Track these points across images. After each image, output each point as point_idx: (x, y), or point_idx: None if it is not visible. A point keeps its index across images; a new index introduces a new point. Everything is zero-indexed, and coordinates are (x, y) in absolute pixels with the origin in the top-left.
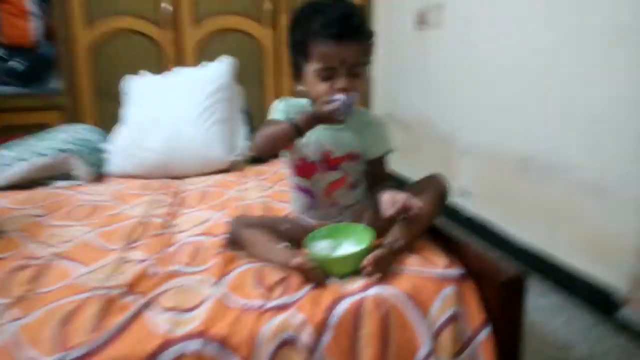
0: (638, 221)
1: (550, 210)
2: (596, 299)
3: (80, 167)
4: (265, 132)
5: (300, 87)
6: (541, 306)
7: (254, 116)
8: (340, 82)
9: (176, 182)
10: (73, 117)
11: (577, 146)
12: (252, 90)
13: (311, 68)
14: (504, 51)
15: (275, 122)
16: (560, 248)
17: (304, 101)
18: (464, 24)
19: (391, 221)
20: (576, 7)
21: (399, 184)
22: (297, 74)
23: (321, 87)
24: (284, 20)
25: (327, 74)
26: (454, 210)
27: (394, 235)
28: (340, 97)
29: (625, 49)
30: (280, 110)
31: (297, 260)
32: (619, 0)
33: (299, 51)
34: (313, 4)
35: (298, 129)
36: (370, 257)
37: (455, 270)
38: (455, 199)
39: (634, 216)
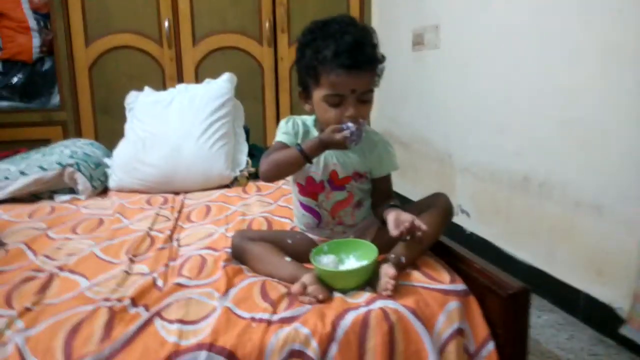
0: (636, 238)
1: (549, 228)
2: (598, 317)
3: (82, 182)
4: (272, 158)
5: (307, 106)
6: (543, 324)
7: (253, 133)
8: (350, 111)
9: (179, 196)
10: (74, 132)
11: (575, 164)
12: (252, 107)
13: (320, 93)
14: (500, 71)
15: (282, 146)
16: (560, 266)
17: (309, 119)
18: (459, 44)
19: (395, 238)
20: (572, 28)
21: (402, 201)
22: (305, 93)
23: (330, 114)
24: (284, 39)
25: (337, 101)
26: (452, 228)
27: (398, 251)
28: (350, 125)
29: (621, 68)
30: (286, 132)
31: (296, 289)
32: (615, 22)
33: (308, 74)
34: (324, 26)
35: (306, 156)
36: (391, 274)
37: (459, 286)
38: (453, 218)
39: (633, 233)
